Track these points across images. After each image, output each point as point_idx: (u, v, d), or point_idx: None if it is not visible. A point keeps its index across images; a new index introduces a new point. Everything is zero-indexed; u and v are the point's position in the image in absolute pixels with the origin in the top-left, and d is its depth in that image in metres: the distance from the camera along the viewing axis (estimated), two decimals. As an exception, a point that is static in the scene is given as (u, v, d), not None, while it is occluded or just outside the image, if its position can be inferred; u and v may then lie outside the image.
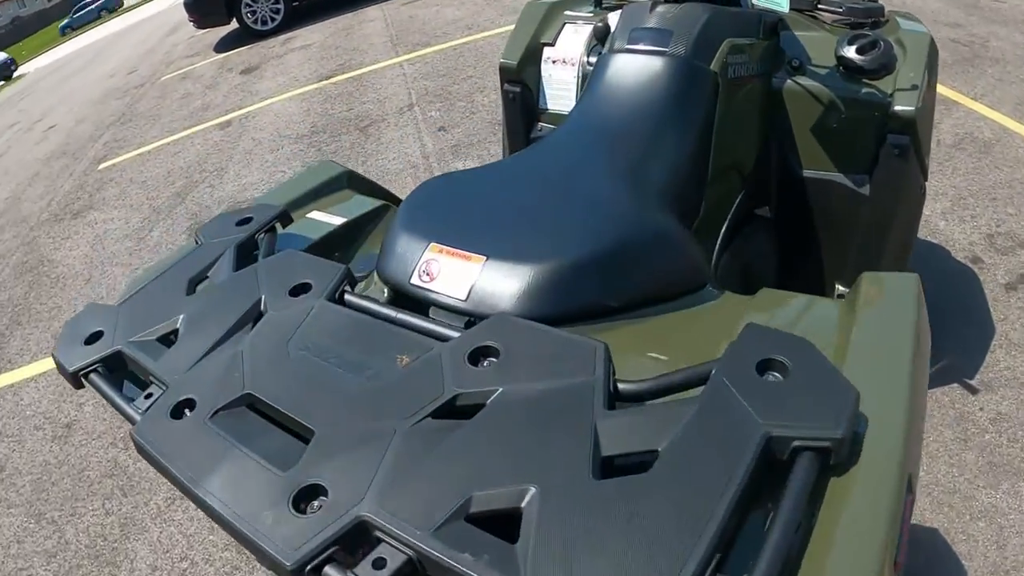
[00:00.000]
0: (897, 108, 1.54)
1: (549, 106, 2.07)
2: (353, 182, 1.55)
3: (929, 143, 1.66)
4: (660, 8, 1.51)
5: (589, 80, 1.48)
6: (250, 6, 7.75)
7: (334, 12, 8.08)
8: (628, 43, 1.46)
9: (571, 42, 2.01)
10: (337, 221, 1.35)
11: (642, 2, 1.61)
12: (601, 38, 1.74)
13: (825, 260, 1.81)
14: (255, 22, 7.86)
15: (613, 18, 1.94)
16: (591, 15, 2.05)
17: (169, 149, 5.58)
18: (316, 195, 1.47)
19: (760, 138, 1.65)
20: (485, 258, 0.97)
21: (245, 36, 8.02)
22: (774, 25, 1.65)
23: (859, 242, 1.72)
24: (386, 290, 1.06)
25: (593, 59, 1.91)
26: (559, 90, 2.03)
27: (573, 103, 2.02)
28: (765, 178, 1.75)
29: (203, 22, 7.97)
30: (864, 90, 1.58)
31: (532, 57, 2.05)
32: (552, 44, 2.03)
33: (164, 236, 4.18)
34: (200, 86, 6.93)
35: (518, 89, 2.07)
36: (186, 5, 7.88)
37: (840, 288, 1.81)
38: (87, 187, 5.54)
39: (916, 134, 1.55)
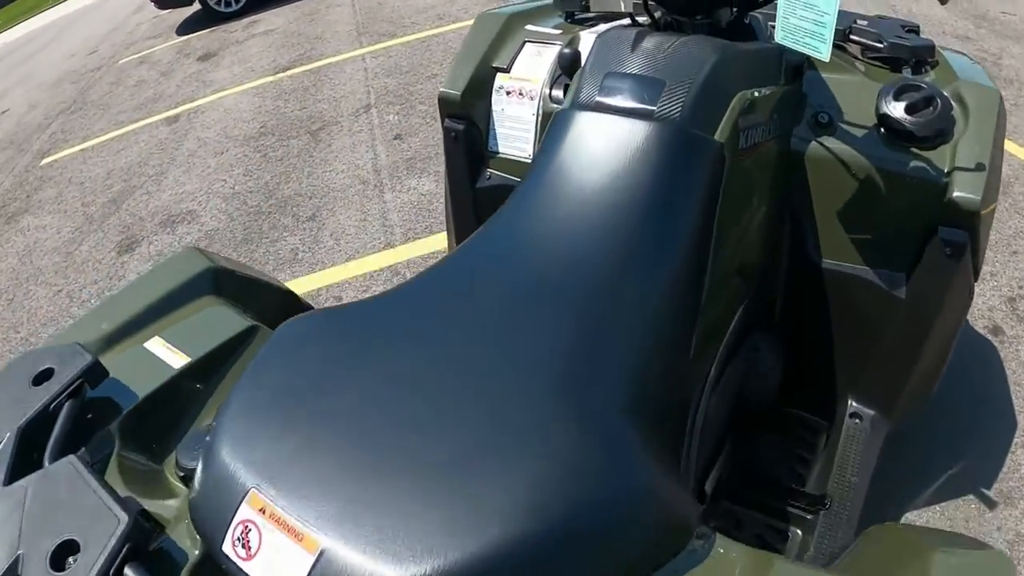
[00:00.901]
0: (956, 195, 1.17)
1: (500, 149, 1.71)
2: (222, 282, 1.19)
3: (988, 235, 1.28)
4: (648, 41, 1.15)
5: (539, 151, 1.12)
6: (213, -14, 7.30)
7: (302, -6, 7.64)
8: (600, 94, 1.10)
9: (531, 68, 1.65)
10: (179, 362, 1.01)
11: (624, 27, 1.23)
12: (568, 68, 1.37)
13: (838, 370, 1.44)
14: (218, 3, 7.40)
15: (586, 41, 1.58)
16: (558, 33, 1.67)
17: (113, 145, 5.18)
18: (167, 307, 1.12)
19: (773, 221, 1.30)
20: (319, 548, 0.62)
21: (208, 18, 7.57)
22: (799, 65, 1.29)
23: (884, 354, 1.36)
24: (198, 542, 0.72)
25: (559, 93, 1.54)
26: (513, 129, 1.67)
27: (530, 148, 1.65)
28: (774, 270, 1.38)
29: (163, 2, 7.51)
30: (912, 163, 1.21)
31: (481, 85, 1.69)
32: (507, 69, 1.67)
33: (92, 252, 3.80)
34: (155, 73, 6.50)
35: (461, 126, 1.71)
36: (145, -16, 7.41)
37: (854, 405, 1.45)
38: (26, 185, 5.14)
39: (976, 229, 1.18)
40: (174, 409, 0.97)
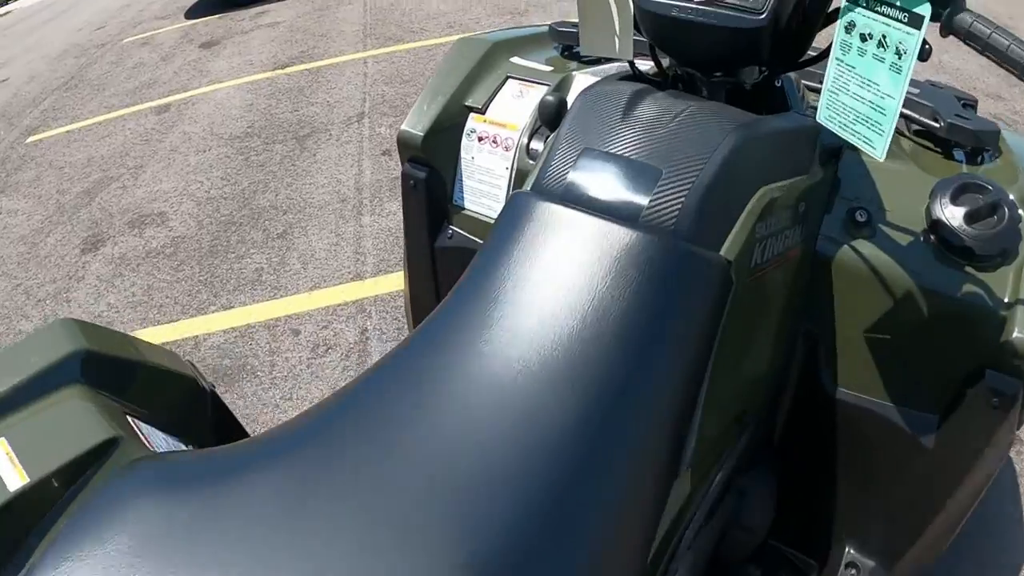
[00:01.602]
0: (1016, 336, 0.92)
1: (466, 204, 1.48)
2: (97, 367, 0.98)
3: None
4: (648, 104, 0.93)
5: (485, 245, 0.89)
6: (225, -28, 7.10)
7: (317, -13, 7.44)
8: (572, 177, 0.88)
9: (510, 111, 1.42)
10: (15, 481, 0.79)
11: (619, 79, 1.03)
12: (549, 120, 1.16)
13: (839, 512, 1.20)
14: (229, -11, 7.21)
15: (579, 85, 1.35)
16: (548, 70, 1.45)
17: (99, 130, 4.98)
18: (24, 396, 0.89)
19: (782, 341, 1.07)
20: None
21: (219, 3, 7.37)
22: (837, 149, 1.06)
23: (897, 503, 1.13)
24: None
25: (538, 147, 1.31)
26: (483, 183, 1.45)
27: (499, 206, 1.42)
28: (775, 398, 1.15)
29: (173, -16, 7.31)
30: (965, 286, 0.97)
31: (450, 126, 1.46)
32: (481, 110, 1.43)
33: (57, 247, 3.60)
34: (156, 56, 6.30)
35: (423, 173, 1.48)
36: (157, -37, 7.21)
37: (851, 553, 1.21)
38: (8, 164, 4.95)
39: None
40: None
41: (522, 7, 5.84)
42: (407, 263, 1.66)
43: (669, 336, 0.77)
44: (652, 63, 1.12)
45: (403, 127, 1.47)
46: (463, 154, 1.45)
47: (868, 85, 0.79)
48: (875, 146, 0.79)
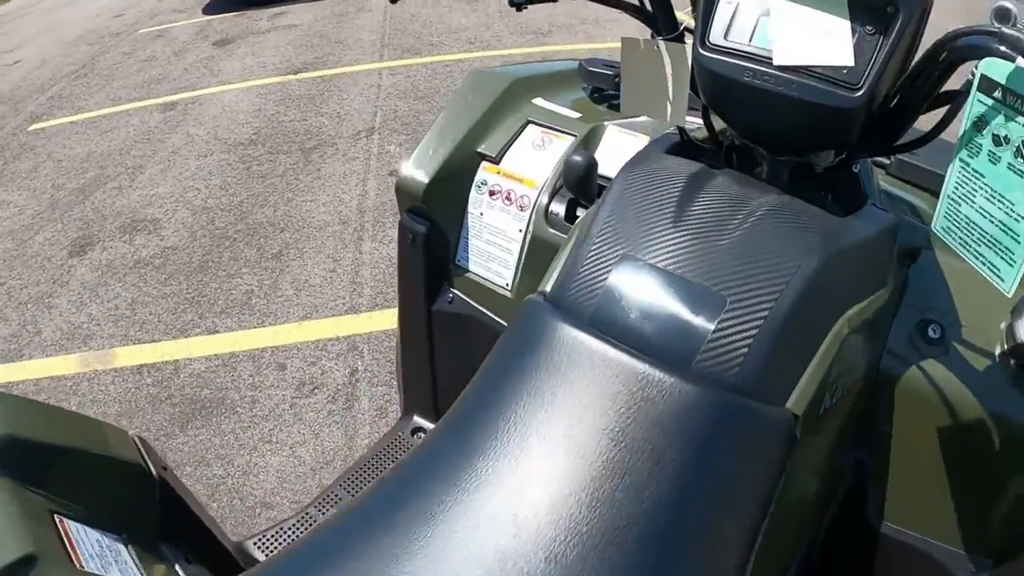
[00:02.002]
0: None
1: (471, 266, 1.31)
2: (13, 458, 0.84)
3: None
4: (706, 195, 0.79)
5: (490, 358, 0.75)
6: (246, -31, 6.97)
7: (339, -10, 7.30)
8: (606, 296, 0.72)
9: (528, 163, 1.25)
10: None
11: (666, 149, 0.90)
12: (575, 185, 1.00)
13: None
14: (249, -13, 7.07)
15: (612, 141, 1.19)
16: (575, 117, 1.28)
17: (103, 123, 4.83)
18: None
19: (832, 476, 0.92)
20: None
21: (238, 1, 7.23)
22: (916, 250, 0.91)
23: None
24: None
25: (559, 210, 1.14)
26: (492, 244, 1.27)
27: (508, 275, 1.25)
28: (814, 532, 0.98)
29: (194, -23, 7.19)
30: None
31: (458, 175, 1.29)
32: (495, 159, 1.27)
33: (45, 246, 3.44)
34: (168, 51, 6.16)
35: (423, 227, 1.31)
36: (178, -45, 7.09)
37: None
38: (8, 151, 4.80)
39: None
40: None
41: (545, 27, 5.69)
42: (400, 323, 1.50)
43: (720, 501, 0.62)
44: (699, 121, 0.96)
45: (403, 172, 1.30)
46: (471, 208, 1.28)
47: (999, 201, 0.62)
48: (1003, 276, 0.63)
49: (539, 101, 1.33)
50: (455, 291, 1.33)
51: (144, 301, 2.89)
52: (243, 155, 3.90)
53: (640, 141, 1.17)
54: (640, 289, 0.70)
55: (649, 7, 0.95)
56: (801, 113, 0.76)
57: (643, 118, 1.24)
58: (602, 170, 1.15)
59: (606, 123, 1.24)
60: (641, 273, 0.71)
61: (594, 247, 0.74)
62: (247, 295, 2.79)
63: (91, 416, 1.07)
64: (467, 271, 1.30)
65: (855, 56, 0.71)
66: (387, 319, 2.55)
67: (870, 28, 0.71)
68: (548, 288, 0.77)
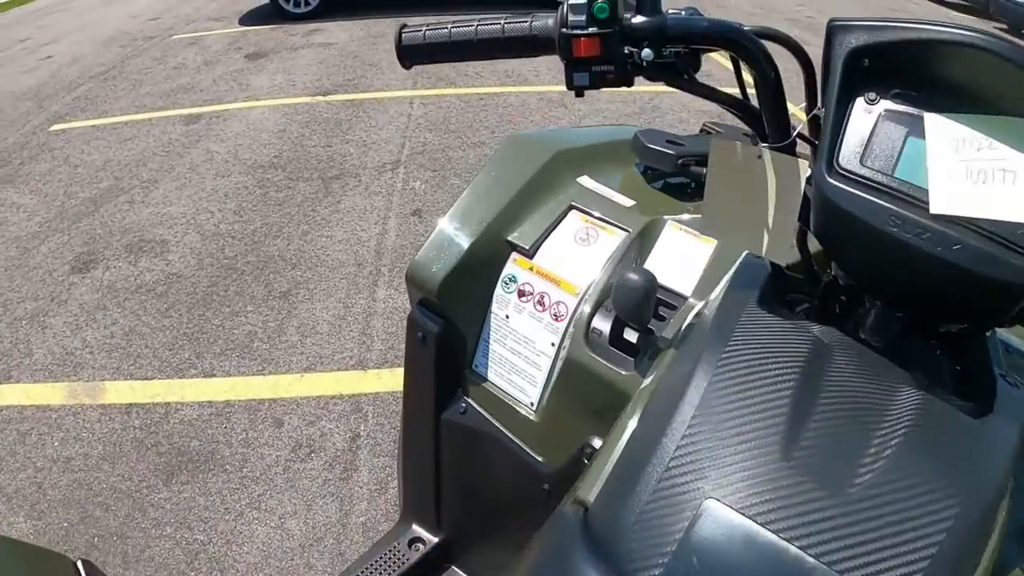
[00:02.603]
0: None
1: (489, 374, 1.09)
2: None
3: None
4: (837, 374, 0.63)
5: None
6: (285, -17, 6.89)
7: (377, 11, 7.19)
8: (673, 567, 0.51)
9: (568, 260, 1.04)
10: None
11: (757, 301, 0.74)
12: (628, 310, 0.84)
13: None
14: (287, 1, 6.99)
15: (669, 237, 1.01)
16: (628, 206, 1.09)
17: (125, 130, 4.70)
18: None
19: None
20: None
21: (275, 14, 7.16)
22: None
23: None
24: None
25: (603, 327, 0.94)
26: (516, 353, 1.06)
27: (534, 393, 1.03)
28: None
29: (232, -13, 7.11)
30: None
31: (481, 267, 1.08)
32: (528, 252, 1.05)
33: (47, 259, 3.29)
34: (200, 60, 6.06)
35: (436, 327, 1.10)
36: (218, -36, 7.02)
37: None
38: (26, 150, 4.69)
39: None
40: None
41: (585, 64, 5.54)
42: (404, 425, 1.29)
43: None
44: (802, 280, 0.77)
45: (416, 258, 1.09)
46: (495, 308, 1.07)
47: None
48: None
49: (585, 180, 1.11)
50: (470, 400, 1.11)
51: (141, 332, 2.71)
52: (262, 179, 3.74)
53: (704, 246, 0.97)
54: (730, 560, 0.49)
55: (756, 105, 0.79)
56: (957, 283, 0.58)
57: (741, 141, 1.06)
58: (661, 276, 0.95)
59: (666, 218, 1.03)
60: (735, 535, 0.50)
61: (668, 477, 0.54)
62: (249, 336, 2.60)
63: (33, 544, 0.91)
64: (485, 380, 1.08)
65: None
66: (396, 379, 2.35)
67: None
68: (591, 498, 0.57)
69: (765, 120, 0.77)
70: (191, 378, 2.47)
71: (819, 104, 0.67)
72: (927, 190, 0.58)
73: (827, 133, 0.64)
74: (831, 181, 0.62)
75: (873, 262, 0.64)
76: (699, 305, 0.86)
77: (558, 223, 1.05)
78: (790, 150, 0.74)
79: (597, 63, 0.75)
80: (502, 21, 0.80)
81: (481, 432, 1.10)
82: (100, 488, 2.11)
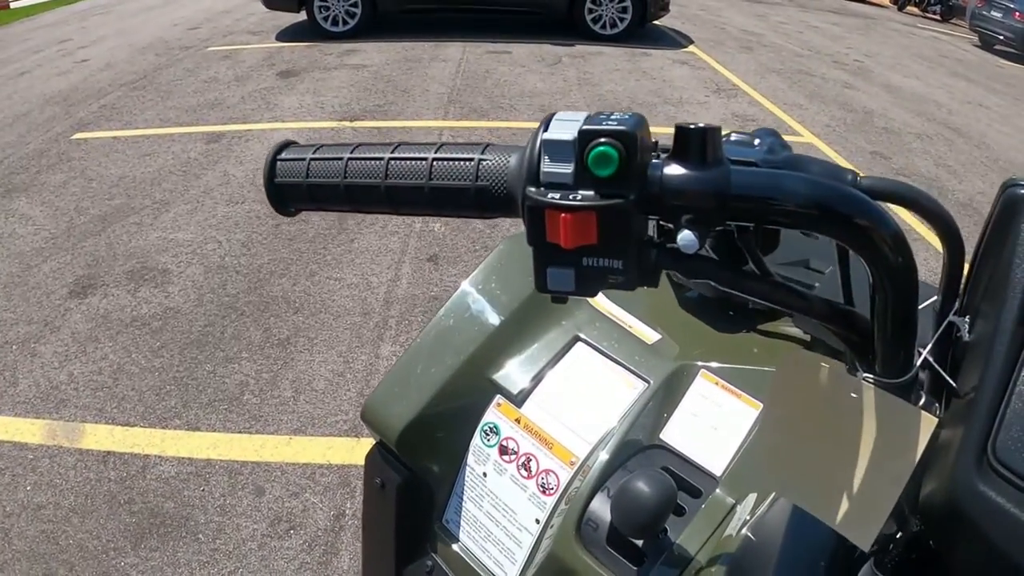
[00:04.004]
0: None
1: (461, 535, 0.85)
2: None
3: None
4: None
5: None
6: (324, 1, 6.79)
7: (415, 35, 7.09)
8: None
9: (566, 418, 0.81)
10: None
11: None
12: (634, 530, 0.65)
13: None
14: (325, 20, 6.90)
15: (699, 391, 0.79)
16: (653, 342, 0.85)
17: (145, 144, 4.60)
18: None
19: None
20: None
21: (312, 32, 7.08)
22: None
23: None
24: None
25: (599, 519, 0.71)
26: (493, 521, 0.81)
27: (514, 570, 0.79)
28: None
29: (271, 2, 7.06)
30: None
31: (456, 411, 0.85)
32: (516, 399, 0.82)
33: (47, 279, 3.16)
34: (231, 75, 5.98)
35: (396, 476, 0.87)
36: (259, -22, 6.96)
37: None
38: (46, 157, 4.61)
39: None
40: None
41: (625, 104, 5.37)
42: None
43: None
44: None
45: (374, 395, 0.87)
46: (471, 460, 0.83)
47: None
48: None
49: (601, 301, 0.88)
50: (437, 559, 0.88)
51: (130, 371, 2.55)
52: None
53: (743, 408, 0.76)
54: None
55: (867, 317, 0.48)
56: None
57: (752, 367, 0.80)
58: (684, 446, 0.72)
59: (698, 365, 0.80)
60: None
61: None
62: (240, 387, 2.42)
63: None
64: (457, 540, 0.86)
65: None
66: (392, 451, 2.16)
67: None
68: None
69: (877, 342, 0.47)
70: (174, 429, 2.30)
71: (965, 324, 0.44)
72: None
73: (987, 390, 0.40)
74: (980, 488, 0.38)
75: None
76: (726, 516, 0.65)
77: (557, 361, 0.83)
78: (905, 391, 0.47)
79: (592, 254, 0.42)
80: (430, 156, 0.48)
81: None
82: (67, 544, 1.94)
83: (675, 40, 8.12)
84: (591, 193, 0.40)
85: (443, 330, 0.87)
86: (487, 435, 0.82)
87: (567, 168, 0.41)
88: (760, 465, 0.53)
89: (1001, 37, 10.95)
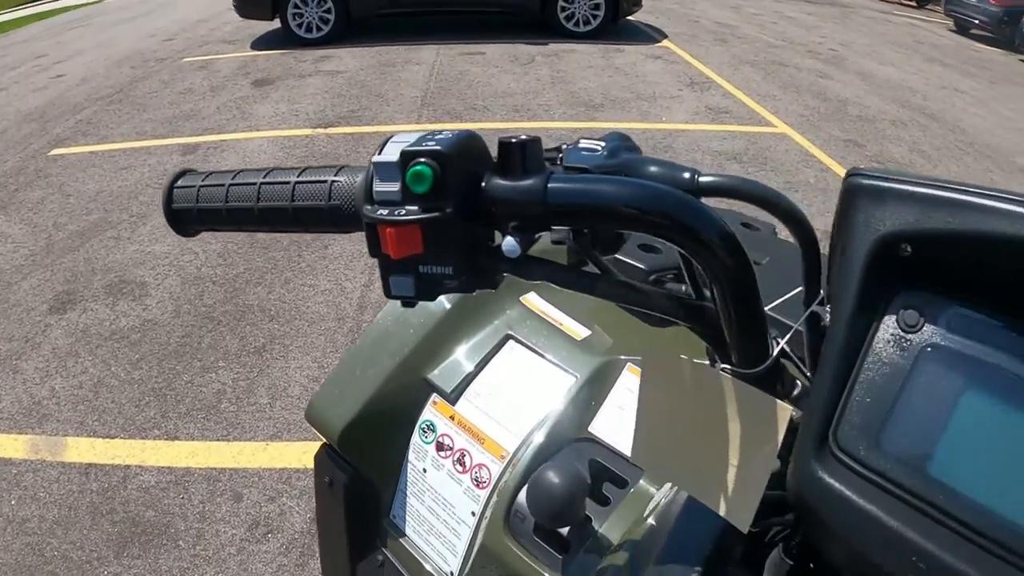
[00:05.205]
0: None
1: (407, 529, 0.89)
2: None
3: None
4: None
5: None
6: (298, 8, 6.82)
7: (389, 39, 7.13)
8: None
9: (497, 414, 0.85)
10: None
11: None
12: (548, 518, 0.66)
13: None
14: (300, 27, 6.93)
15: (625, 386, 0.84)
16: (583, 336, 0.89)
17: (122, 158, 4.63)
18: None
19: None
20: None
21: (287, 39, 7.10)
22: None
23: None
24: None
25: (529, 512, 0.72)
26: (435, 515, 0.85)
27: (455, 561, 0.83)
28: None
29: (245, 11, 7.08)
30: None
31: (394, 410, 0.88)
32: (449, 398, 0.86)
33: (28, 296, 3.20)
34: (206, 85, 6.00)
35: (343, 475, 0.92)
36: (231, -13, 6.98)
37: None
38: (23, 175, 4.64)
39: None
40: None
41: (598, 100, 5.42)
42: (324, 573, 1.13)
43: None
44: None
45: (315, 397, 0.91)
46: (412, 458, 0.87)
47: None
48: None
49: (532, 299, 0.91)
50: (388, 554, 0.93)
51: (110, 384, 2.59)
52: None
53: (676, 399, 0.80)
54: None
55: (724, 313, 0.48)
56: None
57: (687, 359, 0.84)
58: (612, 438, 0.76)
59: (623, 359, 0.85)
60: None
61: None
62: (218, 396, 2.47)
63: None
64: (404, 535, 0.91)
65: None
66: (366, 453, 2.21)
67: None
68: None
69: (728, 336, 0.49)
70: (153, 439, 2.34)
71: (827, 313, 0.44)
72: (986, 508, 0.35)
73: (827, 380, 0.42)
74: (821, 475, 0.40)
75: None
76: (648, 505, 0.70)
77: (489, 359, 0.86)
78: (766, 381, 0.49)
79: (424, 262, 0.47)
80: (293, 179, 0.53)
81: None
82: (52, 555, 1.99)
83: (649, 35, 8.18)
84: (415, 208, 0.45)
85: (380, 334, 0.91)
86: (425, 432, 0.87)
87: (395, 187, 0.45)
88: (645, 455, 0.57)
89: (976, 21, 11.04)
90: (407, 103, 5.19)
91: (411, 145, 0.45)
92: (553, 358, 0.86)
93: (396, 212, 0.45)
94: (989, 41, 10.65)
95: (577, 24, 7.56)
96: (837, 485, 0.40)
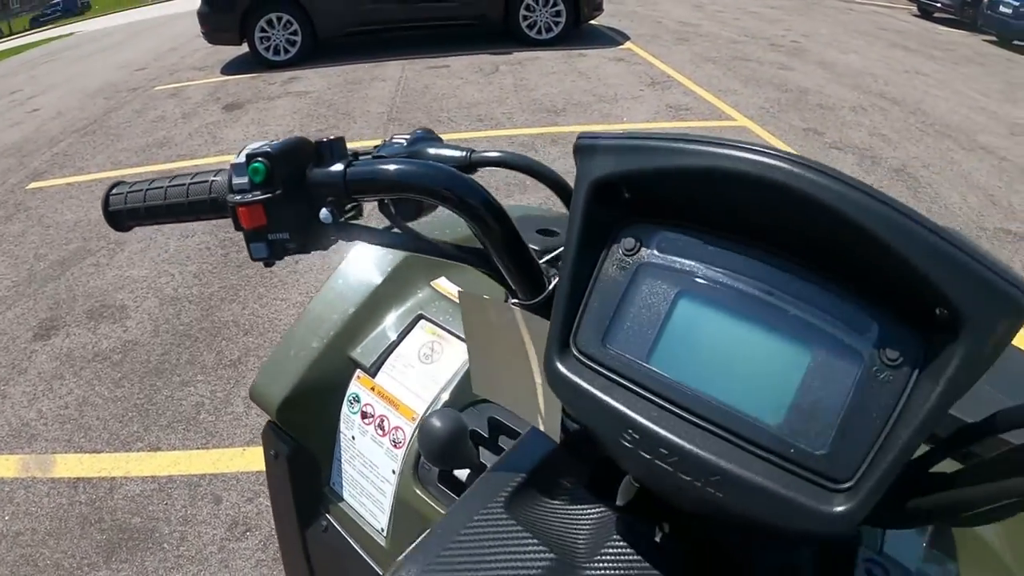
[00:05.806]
0: None
1: (344, 494, 1.03)
2: None
3: None
4: None
5: None
6: (265, 31, 6.96)
7: (355, 57, 7.27)
8: None
9: (409, 383, 0.97)
10: None
11: (533, 472, 0.65)
12: (438, 458, 0.77)
13: None
14: (267, 50, 7.07)
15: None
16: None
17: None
18: None
19: None
20: None
21: (255, 62, 7.24)
22: None
23: None
24: None
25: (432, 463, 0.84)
26: (364, 477, 1.00)
27: (383, 518, 0.98)
28: None
29: (213, 37, 7.21)
30: None
31: (325, 387, 1.02)
32: (370, 371, 0.99)
33: (12, 325, 3.33)
34: (178, 112, 6.14)
35: (286, 447, 1.06)
36: (199, 13, 7.11)
37: None
38: (3, 209, 4.78)
39: None
40: None
41: (560, 105, 5.58)
42: (279, 542, 1.28)
43: None
44: None
45: (257, 379, 1.05)
46: (343, 428, 1.01)
47: None
48: None
49: (441, 284, 1.03)
50: (330, 519, 1.07)
51: (94, 403, 2.72)
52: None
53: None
54: None
55: (498, 260, 0.63)
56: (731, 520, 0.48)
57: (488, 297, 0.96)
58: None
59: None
60: None
61: None
62: (196, 408, 2.60)
63: None
64: (342, 500, 1.05)
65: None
66: (337, 451, 2.35)
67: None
68: None
69: (508, 277, 0.63)
70: (138, 451, 2.47)
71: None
72: (691, 389, 0.44)
73: (562, 298, 0.50)
74: (562, 370, 0.49)
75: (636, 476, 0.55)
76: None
77: (403, 337, 1.00)
78: (548, 308, 0.56)
79: (270, 231, 0.63)
80: (188, 181, 0.70)
81: (344, 552, 1.08)
82: (44, 564, 2.11)
83: (611, 38, 8.35)
84: (258, 192, 0.62)
85: (311, 318, 1.06)
86: (351, 404, 1.01)
87: (244, 179, 0.62)
88: (481, 384, 0.69)
89: (939, 4, 11.04)
90: (373, 119, 5.34)
91: (253, 150, 0.63)
92: (458, 332, 1.00)
93: (245, 196, 0.62)
94: (952, 24, 10.72)
95: (540, 32, 7.73)
96: (573, 377, 0.49)
